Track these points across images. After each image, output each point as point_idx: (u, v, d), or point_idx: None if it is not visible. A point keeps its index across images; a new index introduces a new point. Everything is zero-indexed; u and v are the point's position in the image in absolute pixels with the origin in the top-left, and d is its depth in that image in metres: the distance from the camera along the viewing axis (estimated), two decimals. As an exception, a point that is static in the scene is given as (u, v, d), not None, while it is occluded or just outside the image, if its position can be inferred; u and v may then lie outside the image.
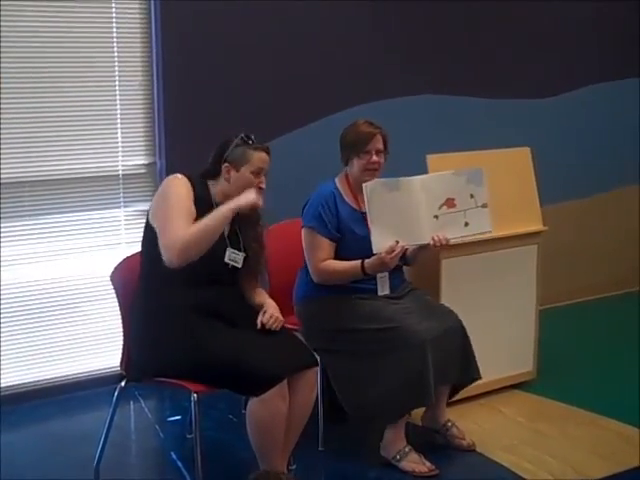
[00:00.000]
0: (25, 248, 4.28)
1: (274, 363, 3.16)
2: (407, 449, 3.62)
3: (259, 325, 3.31)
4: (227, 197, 3.35)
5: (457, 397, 3.97)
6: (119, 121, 4.42)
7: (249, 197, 3.24)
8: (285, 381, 3.18)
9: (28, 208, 4.25)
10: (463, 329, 3.76)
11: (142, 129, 4.49)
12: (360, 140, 3.69)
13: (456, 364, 3.72)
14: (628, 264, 6.26)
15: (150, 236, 3.26)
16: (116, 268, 3.49)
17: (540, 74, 5.70)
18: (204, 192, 3.33)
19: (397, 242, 3.53)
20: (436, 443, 3.82)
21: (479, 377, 3.86)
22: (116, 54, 4.35)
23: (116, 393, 3.41)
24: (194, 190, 3.28)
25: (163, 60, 4.39)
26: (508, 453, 3.77)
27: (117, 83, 4.38)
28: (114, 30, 4.33)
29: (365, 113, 4.22)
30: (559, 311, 5.78)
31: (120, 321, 3.46)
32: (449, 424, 3.84)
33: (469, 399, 4.16)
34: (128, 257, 3.55)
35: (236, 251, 3.37)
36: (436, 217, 3.62)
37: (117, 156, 4.44)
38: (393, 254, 3.51)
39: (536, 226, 4.42)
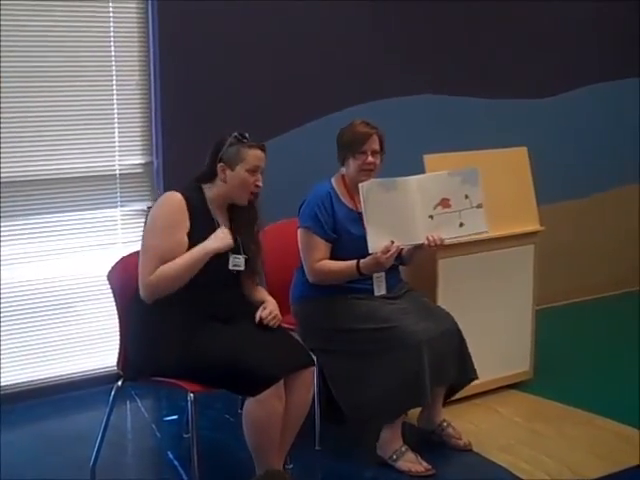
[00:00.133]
0: (21, 248, 4.27)
1: (271, 363, 3.16)
2: (404, 449, 3.62)
3: (257, 319, 3.32)
4: (224, 198, 3.35)
5: (455, 397, 3.96)
6: (116, 120, 4.42)
7: (225, 241, 3.23)
8: (281, 381, 3.18)
9: (24, 207, 4.25)
10: (459, 332, 3.76)
11: (139, 128, 4.48)
12: (356, 140, 3.69)
13: (452, 365, 3.71)
14: (626, 264, 6.26)
15: None
16: (113, 268, 3.48)
17: (538, 74, 5.70)
18: (199, 201, 3.31)
19: (392, 242, 3.53)
20: (433, 443, 3.82)
21: (476, 377, 3.86)
22: (113, 53, 4.35)
23: (113, 392, 3.41)
24: (188, 204, 3.25)
25: (160, 59, 4.38)
26: (505, 453, 3.77)
27: (114, 82, 4.38)
28: (111, 29, 4.33)
29: (363, 113, 4.22)
30: (556, 311, 5.78)
31: (116, 321, 3.46)
32: (445, 424, 3.84)
33: (466, 399, 4.16)
34: (125, 257, 3.55)
35: (238, 256, 3.37)
36: (431, 217, 3.62)
37: (114, 155, 4.43)
38: (388, 254, 3.51)
39: (533, 226, 4.42)
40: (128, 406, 4.30)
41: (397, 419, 3.63)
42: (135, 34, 4.39)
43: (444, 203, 3.63)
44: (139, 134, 4.49)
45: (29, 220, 4.27)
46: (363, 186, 3.54)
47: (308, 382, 3.35)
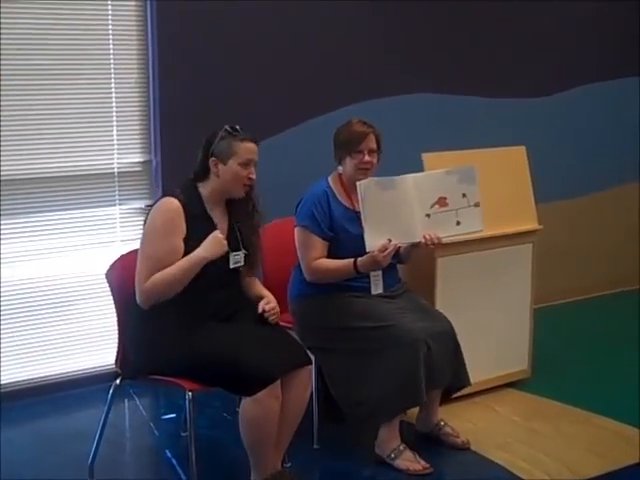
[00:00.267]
0: (20, 246, 4.27)
1: (268, 363, 3.16)
2: (402, 447, 3.62)
3: (260, 310, 3.32)
4: (219, 193, 3.34)
5: (458, 394, 3.96)
6: (115, 119, 4.41)
7: (219, 247, 3.23)
8: (278, 381, 3.18)
9: (23, 206, 4.25)
10: (455, 336, 3.75)
11: (138, 127, 4.48)
12: (353, 139, 3.69)
13: (446, 368, 3.70)
14: (625, 263, 6.26)
15: None
16: (111, 266, 3.49)
17: (537, 73, 5.70)
18: (195, 203, 3.30)
19: (390, 240, 3.53)
20: (431, 441, 3.82)
21: (469, 384, 3.86)
22: (112, 52, 4.35)
23: (111, 391, 3.42)
24: (185, 208, 3.24)
25: (159, 58, 4.38)
26: (503, 451, 3.77)
27: (113, 81, 4.38)
28: (110, 27, 4.32)
29: (360, 112, 4.22)
30: (554, 310, 5.78)
31: (115, 319, 3.46)
32: (442, 423, 3.84)
33: (463, 398, 4.15)
34: (123, 255, 3.56)
35: (238, 252, 3.37)
36: (428, 216, 3.62)
37: (112, 154, 4.43)
38: (386, 252, 3.51)
39: (531, 225, 4.43)
40: (126, 404, 4.30)
41: (395, 418, 3.63)
42: (134, 32, 4.38)
43: (441, 202, 3.64)
44: (138, 132, 4.49)
45: (28, 218, 4.26)
46: (361, 184, 3.54)
47: (305, 381, 3.35)
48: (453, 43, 5.33)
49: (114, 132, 4.42)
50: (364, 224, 3.53)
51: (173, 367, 3.22)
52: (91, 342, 4.49)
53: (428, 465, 3.59)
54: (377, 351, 3.58)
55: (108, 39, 4.33)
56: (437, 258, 4.08)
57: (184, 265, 3.19)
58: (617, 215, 6.23)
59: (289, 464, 3.52)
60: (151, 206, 3.39)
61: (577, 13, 5.80)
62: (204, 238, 3.23)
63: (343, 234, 3.69)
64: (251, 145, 3.33)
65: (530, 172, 4.47)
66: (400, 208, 3.59)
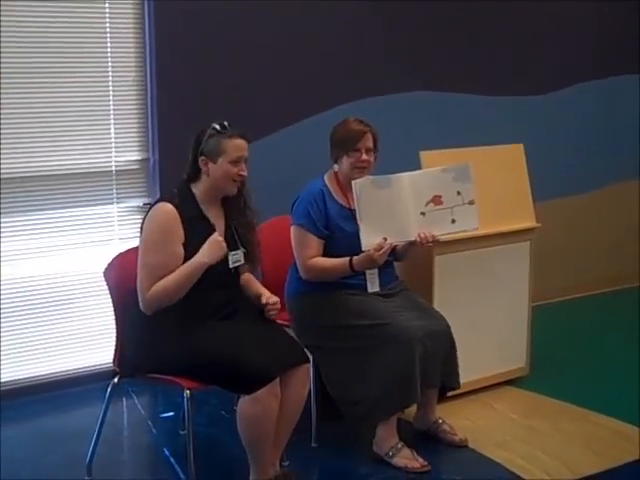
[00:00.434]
0: (17, 244, 4.26)
1: (267, 361, 3.15)
2: (400, 445, 3.62)
3: (264, 301, 3.33)
4: (212, 192, 3.33)
5: (450, 393, 3.95)
6: (112, 117, 4.41)
7: (219, 251, 3.22)
8: (277, 379, 3.18)
9: (20, 204, 4.24)
10: (451, 336, 3.75)
11: (135, 125, 4.48)
12: (350, 138, 3.68)
13: (439, 368, 3.69)
14: (623, 261, 6.26)
15: None
16: (109, 264, 3.48)
17: (536, 71, 5.69)
18: (190, 205, 3.29)
19: (385, 239, 3.53)
20: (429, 439, 3.82)
21: (458, 387, 3.86)
22: (109, 50, 4.34)
23: (109, 389, 3.42)
24: (180, 212, 3.23)
25: (156, 56, 4.38)
26: (501, 449, 3.77)
27: (110, 79, 4.37)
28: (107, 26, 4.31)
29: (358, 110, 4.23)
30: (552, 308, 5.79)
31: (113, 317, 3.46)
32: (440, 421, 3.85)
33: (461, 395, 4.15)
34: (121, 253, 3.56)
35: (236, 251, 3.36)
36: (423, 214, 3.62)
37: (110, 152, 4.43)
38: (381, 251, 3.51)
39: (529, 223, 4.43)
40: (124, 403, 4.30)
41: (392, 416, 3.63)
42: (131, 31, 4.38)
43: (436, 200, 3.64)
44: (135, 131, 4.48)
45: (26, 217, 4.26)
46: (356, 183, 3.54)
47: (303, 379, 3.35)
48: (451, 41, 5.33)
49: (112, 130, 4.41)
50: (360, 223, 3.53)
51: (171, 365, 3.22)
52: (89, 340, 4.49)
53: (426, 463, 3.59)
54: (373, 349, 3.58)
55: (105, 37, 4.32)
56: (435, 256, 4.08)
57: (185, 271, 3.18)
58: (616, 213, 6.23)
59: (287, 463, 3.52)
60: (148, 205, 3.39)
61: (575, 11, 5.79)
62: (202, 240, 3.22)
63: (339, 233, 3.69)
64: (240, 142, 3.30)
65: (528, 170, 4.47)
66: (395, 206, 3.59)
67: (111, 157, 4.43)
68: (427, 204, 3.63)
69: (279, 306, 3.39)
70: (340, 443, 3.83)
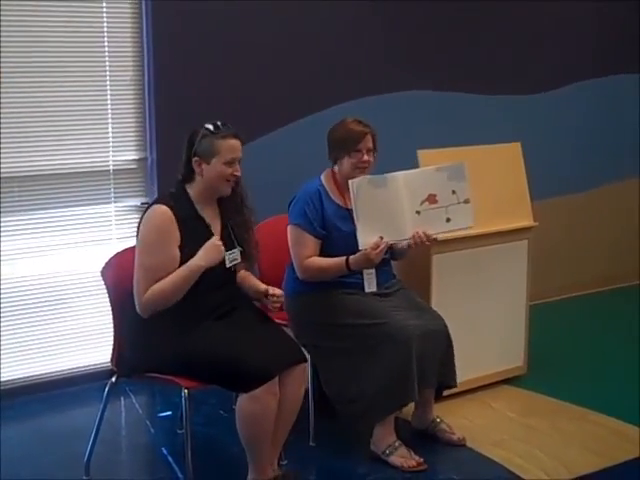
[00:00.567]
0: (15, 244, 4.26)
1: (265, 360, 3.16)
2: (397, 444, 3.63)
3: (271, 292, 3.35)
4: (207, 192, 3.32)
5: (447, 392, 3.96)
6: (110, 116, 4.41)
7: (216, 254, 3.22)
8: (276, 378, 3.18)
9: (18, 203, 4.24)
10: (448, 335, 3.75)
11: (133, 124, 4.47)
12: (351, 139, 3.67)
13: (435, 368, 3.69)
14: (622, 259, 6.27)
15: None
16: (107, 264, 3.48)
17: (533, 71, 5.70)
18: (186, 207, 3.28)
19: (381, 238, 3.53)
20: (426, 438, 3.82)
21: (454, 385, 3.86)
22: (107, 49, 4.34)
23: (107, 389, 3.42)
24: (176, 214, 3.21)
25: (154, 56, 4.38)
26: (499, 448, 3.77)
27: (108, 78, 4.37)
28: (105, 25, 4.31)
29: (357, 109, 4.24)
30: (550, 306, 5.79)
31: (111, 317, 3.46)
32: (437, 420, 3.85)
33: (459, 394, 4.15)
34: (119, 253, 3.55)
35: (233, 250, 3.35)
36: (418, 213, 3.63)
37: (108, 151, 4.42)
38: (378, 250, 3.51)
39: (527, 222, 4.43)
40: (122, 402, 4.30)
41: (389, 415, 3.63)
42: (129, 31, 4.38)
43: (431, 199, 3.64)
44: (133, 130, 4.48)
45: (23, 216, 4.26)
46: (353, 183, 3.54)
47: (301, 378, 3.35)
48: (450, 40, 5.33)
49: (109, 130, 4.41)
50: (356, 222, 3.53)
51: (169, 365, 3.21)
52: (87, 340, 4.49)
53: (422, 461, 3.59)
54: (370, 348, 3.58)
55: (103, 37, 4.32)
56: (432, 255, 4.08)
57: (182, 274, 3.18)
58: (614, 211, 6.23)
59: (285, 462, 3.52)
60: (146, 204, 3.38)
61: (575, 11, 5.79)
62: (199, 240, 3.22)
63: (335, 232, 3.69)
64: (233, 142, 3.28)
65: (526, 169, 4.47)
66: (391, 205, 3.59)
67: (109, 156, 4.43)
68: (422, 203, 3.63)
69: (282, 299, 3.40)
70: (338, 442, 3.83)
